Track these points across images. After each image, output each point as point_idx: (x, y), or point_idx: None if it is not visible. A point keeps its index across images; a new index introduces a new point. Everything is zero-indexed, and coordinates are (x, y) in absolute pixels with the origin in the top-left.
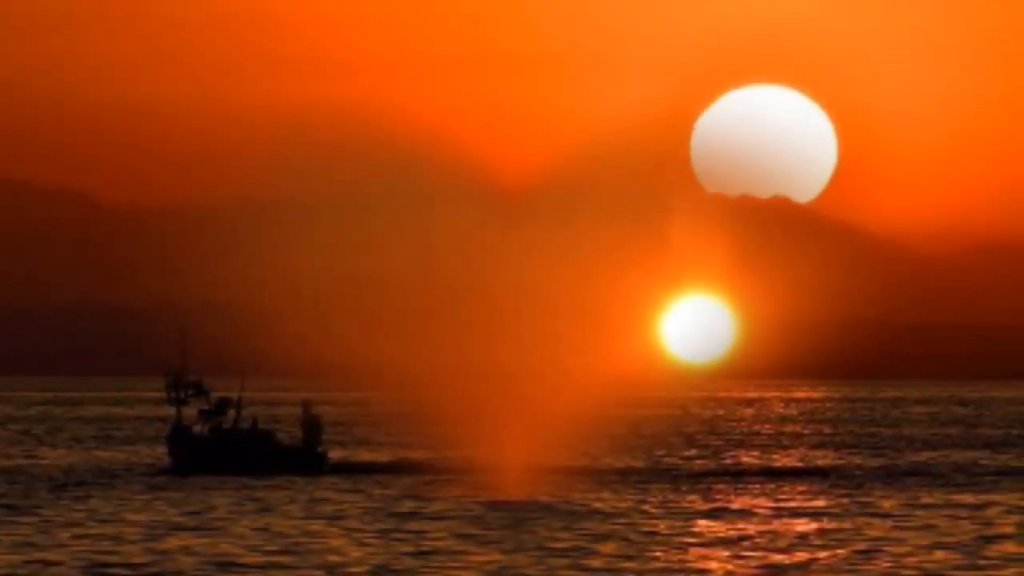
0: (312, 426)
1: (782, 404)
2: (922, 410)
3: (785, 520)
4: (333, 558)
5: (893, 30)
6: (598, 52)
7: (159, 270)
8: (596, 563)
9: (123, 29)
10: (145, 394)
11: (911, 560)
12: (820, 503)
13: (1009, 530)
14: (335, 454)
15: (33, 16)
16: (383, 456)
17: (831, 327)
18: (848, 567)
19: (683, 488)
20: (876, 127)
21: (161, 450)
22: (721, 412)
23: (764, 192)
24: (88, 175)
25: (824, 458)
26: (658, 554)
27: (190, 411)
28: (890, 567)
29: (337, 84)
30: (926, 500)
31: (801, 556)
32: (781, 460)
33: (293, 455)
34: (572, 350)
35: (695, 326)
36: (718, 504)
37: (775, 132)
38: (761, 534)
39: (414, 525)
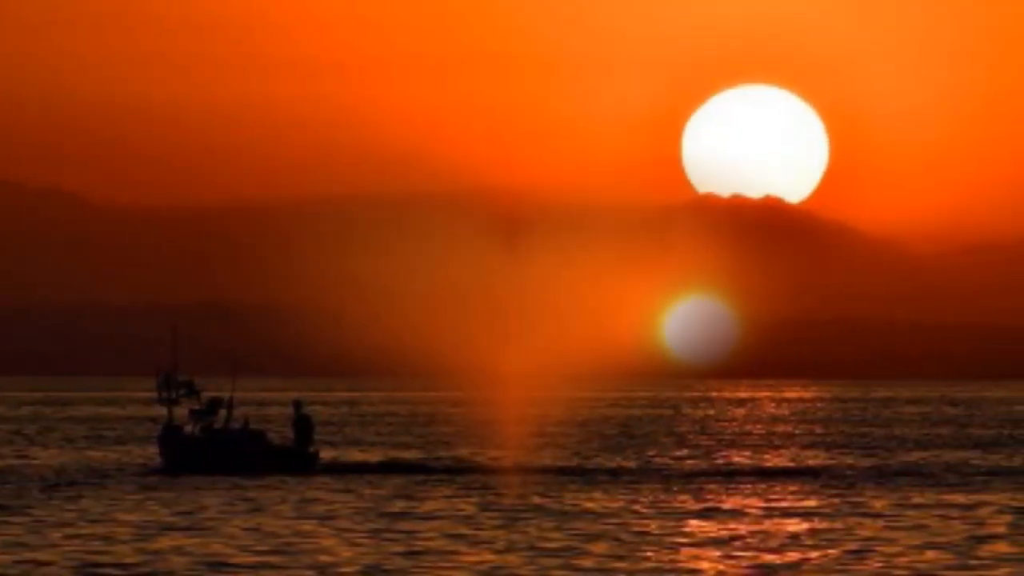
0: (303, 426)
1: (773, 404)
2: (913, 410)
3: (776, 520)
4: (324, 558)
5: (884, 31)
6: (590, 53)
7: (151, 269)
8: (587, 563)
9: (115, 29)
10: (136, 394)
11: (902, 560)
12: (811, 503)
13: (1001, 530)
14: (326, 454)
15: (25, 16)
16: (375, 456)
17: (822, 326)
18: (839, 567)
19: (674, 488)
20: (867, 127)
21: (152, 450)
22: (712, 412)
23: (756, 192)
24: (80, 175)
25: (815, 458)
26: (649, 554)
27: (181, 411)
28: (881, 567)
29: (330, 85)
30: (917, 500)
31: (792, 556)
32: (772, 460)
33: (284, 455)
34: (575, 350)
35: (691, 327)
36: (709, 504)
37: (766, 132)
38: (752, 534)
39: (405, 525)
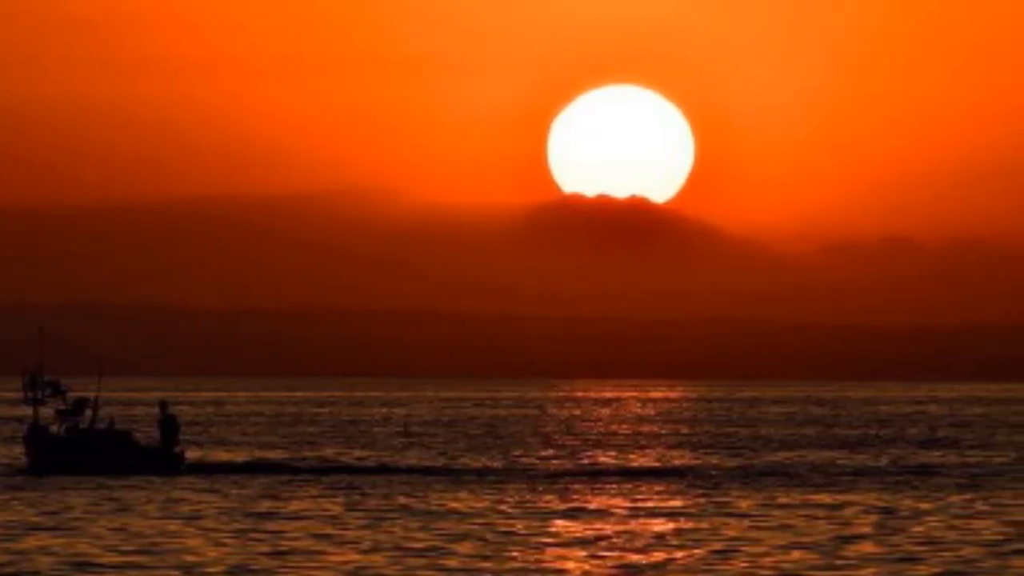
0: (169, 426)
1: (639, 404)
2: (779, 410)
3: (642, 520)
4: (190, 558)
5: (748, 31)
6: (455, 53)
7: (18, 269)
8: (453, 563)
9: None
10: (1, 394)
11: (768, 560)
12: (677, 503)
13: (866, 530)
14: (192, 454)
15: None
16: (240, 456)
17: (687, 325)
18: (705, 567)
19: (540, 488)
20: (732, 127)
21: (18, 450)
22: (578, 412)
23: (621, 192)
24: None
25: (681, 458)
26: (515, 554)
27: (47, 411)
28: (747, 567)
29: (197, 85)
30: (783, 500)
31: (658, 556)
32: (638, 460)
33: (150, 455)
34: None
35: None
36: (575, 504)
37: (632, 132)
38: (618, 534)
39: (271, 525)
